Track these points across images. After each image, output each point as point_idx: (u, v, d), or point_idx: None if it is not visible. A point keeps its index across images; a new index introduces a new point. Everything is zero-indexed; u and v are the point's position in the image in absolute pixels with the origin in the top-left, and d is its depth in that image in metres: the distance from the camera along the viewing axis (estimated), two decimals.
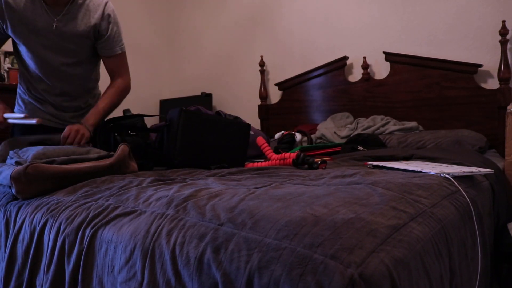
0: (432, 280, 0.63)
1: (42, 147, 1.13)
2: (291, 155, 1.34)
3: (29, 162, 1.01)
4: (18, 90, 1.62)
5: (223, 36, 3.51)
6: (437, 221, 0.74)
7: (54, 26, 1.41)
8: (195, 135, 1.34)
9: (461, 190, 0.95)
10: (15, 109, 1.63)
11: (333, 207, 0.66)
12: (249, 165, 1.43)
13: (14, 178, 0.96)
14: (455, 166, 1.21)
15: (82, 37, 1.47)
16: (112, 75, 1.60)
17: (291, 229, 0.58)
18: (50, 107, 1.59)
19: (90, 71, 1.61)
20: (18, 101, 1.62)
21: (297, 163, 1.31)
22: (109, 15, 1.49)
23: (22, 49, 1.48)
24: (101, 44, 1.52)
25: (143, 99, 3.77)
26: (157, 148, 1.38)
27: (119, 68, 1.59)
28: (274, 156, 1.42)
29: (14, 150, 1.15)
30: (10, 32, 1.43)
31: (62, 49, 1.47)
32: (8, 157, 1.16)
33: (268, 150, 1.49)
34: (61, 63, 1.49)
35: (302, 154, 1.30)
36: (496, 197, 1.23)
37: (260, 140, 1.53)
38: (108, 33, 1.50)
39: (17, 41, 1.46)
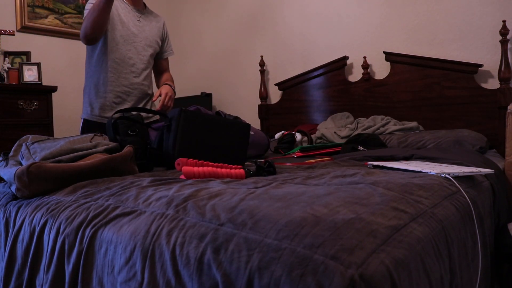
0: (433, 281, 0.63)
1: (51, 146, 1.13)
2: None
3: (31, 162, 1.01)
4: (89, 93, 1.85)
5: (223, 36, 3.51)
6: (437, 222, 0.74)
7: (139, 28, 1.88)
8: (195, 135, 1.34)
9: (462, 190, 0.95)
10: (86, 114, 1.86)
11: (333, 207, 0.66)
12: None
13: (18, 176, 0.96)
14: (455, 166, 1.20)
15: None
16: (163, 72, 2.06)
17: (292, 229, 0.57)
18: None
19: None
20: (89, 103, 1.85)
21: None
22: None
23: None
24: (164, 46, 2.02)
25: None
26: (157, 148, 1.38)
27: (168, 67, 2.08)
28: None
29: (27, 149, 1.15)
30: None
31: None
32: (19, 155, 1.16)
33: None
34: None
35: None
36: (497, 197, 1.23)
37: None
38: (168, 37, 2.04)
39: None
